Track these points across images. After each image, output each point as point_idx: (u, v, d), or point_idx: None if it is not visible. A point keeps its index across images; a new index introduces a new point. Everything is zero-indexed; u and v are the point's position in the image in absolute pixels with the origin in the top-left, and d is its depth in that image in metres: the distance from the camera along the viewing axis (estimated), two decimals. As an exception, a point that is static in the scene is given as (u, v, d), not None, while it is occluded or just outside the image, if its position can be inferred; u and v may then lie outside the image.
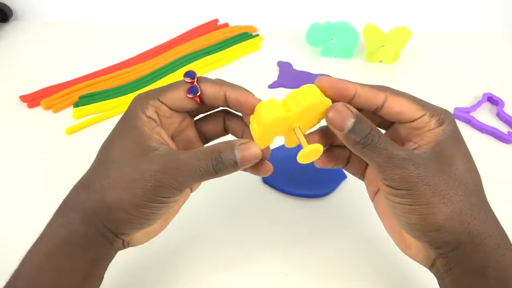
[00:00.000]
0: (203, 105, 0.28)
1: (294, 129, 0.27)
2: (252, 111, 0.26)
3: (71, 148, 0.45)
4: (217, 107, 0.29)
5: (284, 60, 0.59)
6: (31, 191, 0.40)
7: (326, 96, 0.26)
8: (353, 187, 0.40)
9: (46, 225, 0.26)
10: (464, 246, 0.24)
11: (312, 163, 0.29)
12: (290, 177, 0.40)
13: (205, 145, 0.31)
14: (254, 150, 0.25)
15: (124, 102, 0.51)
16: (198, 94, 0.27)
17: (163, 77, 0.55)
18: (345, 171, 0.41)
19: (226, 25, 0.67)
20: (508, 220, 0.37)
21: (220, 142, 0.25)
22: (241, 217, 0.37)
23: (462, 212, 0.24)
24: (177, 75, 0.55)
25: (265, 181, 0.40)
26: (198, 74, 0.26)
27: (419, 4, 0.66)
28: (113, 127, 0.27)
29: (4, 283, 0.25)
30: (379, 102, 0.26)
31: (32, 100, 0.52)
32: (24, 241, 0.36)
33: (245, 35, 0.64)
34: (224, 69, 0.58)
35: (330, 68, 0.57)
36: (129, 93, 0.53)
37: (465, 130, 0.48)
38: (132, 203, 0.24)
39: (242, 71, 0.58)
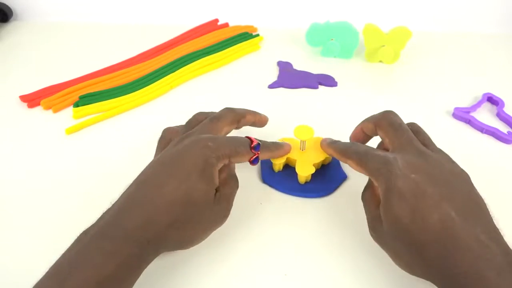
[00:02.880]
0: None
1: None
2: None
3: (71, 148, 0.45)
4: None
5: (284, 60, 0.59)
6: (31, 191, 0.40)
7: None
8: (353, 187, 0.40)
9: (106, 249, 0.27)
10: None
11: None
12: (290, 177, 0.40)
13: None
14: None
15: (124, 102, 0.51)
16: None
17: (163, 77, 0.55)
18: (345, 171, 0.41)
19: (226, 25, 0.67)
20: (508, 220, 0.37)
21: None
22: (241, 216, 0.37)
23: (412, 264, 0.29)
24: (177, 75, 0.55)
25: (265, 181, 0.40)
26: (198, 74, 0.27)
27: (420, 4, 0.66)
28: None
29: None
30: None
31: (32, 100, 0.52)
32: (24, 241, 0.36)
33: (245, 35, 0.64)
34: (224, 69, 0.58)
35: (330, 68, 0.57)
36: (129, 93, 0.53)
37: (465, 130, 0.48)
38: (207, 236, 0.33)
39: (242, 71, 0.58)
